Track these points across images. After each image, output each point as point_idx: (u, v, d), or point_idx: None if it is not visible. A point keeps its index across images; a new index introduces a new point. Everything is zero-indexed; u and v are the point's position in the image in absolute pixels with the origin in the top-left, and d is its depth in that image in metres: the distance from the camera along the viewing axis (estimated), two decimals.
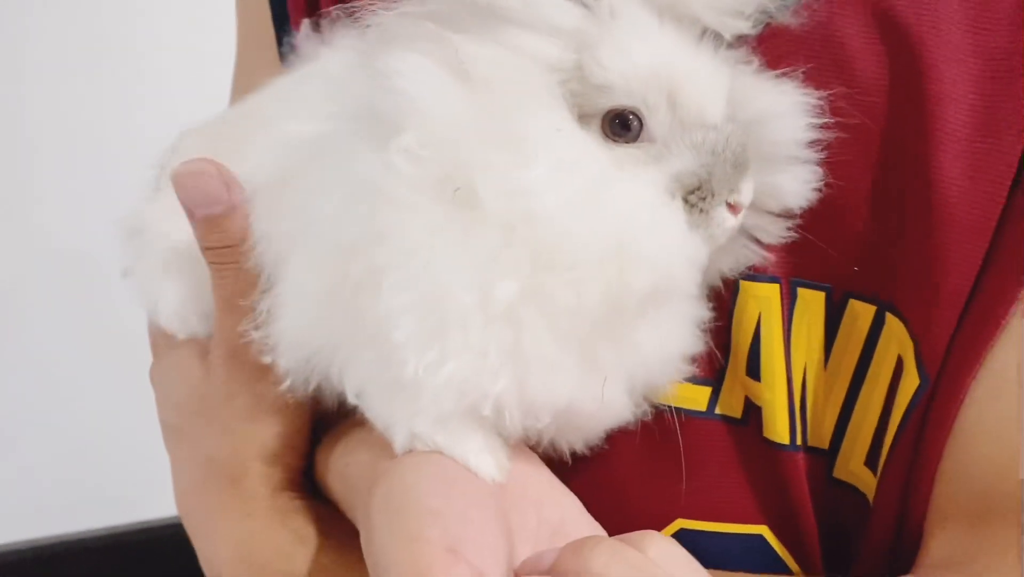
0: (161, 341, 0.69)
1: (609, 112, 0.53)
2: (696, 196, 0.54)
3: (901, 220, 0.61)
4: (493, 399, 0.53)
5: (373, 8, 0.53)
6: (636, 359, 0.56)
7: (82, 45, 1.74)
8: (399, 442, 0.55)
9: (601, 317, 0.52)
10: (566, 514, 0.56)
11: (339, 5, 0.67)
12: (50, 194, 1.75)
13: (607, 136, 0.54)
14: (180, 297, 0.66)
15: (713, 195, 0.54)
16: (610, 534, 0.56)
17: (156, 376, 0.71)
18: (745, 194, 0.55)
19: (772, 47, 0.60)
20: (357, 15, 0.55)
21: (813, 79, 0.58)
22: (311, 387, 0.59)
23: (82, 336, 1.74)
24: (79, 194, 1.68)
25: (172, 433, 0.69)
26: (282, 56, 0.78)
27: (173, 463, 0.69)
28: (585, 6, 0.53)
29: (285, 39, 0.77)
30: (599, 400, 0.55)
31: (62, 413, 1.78)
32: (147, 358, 0.72)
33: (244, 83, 0.84)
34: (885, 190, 0.61)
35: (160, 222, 0.66)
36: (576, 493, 0.59)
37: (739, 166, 0.54)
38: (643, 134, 0.54)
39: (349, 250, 0.53)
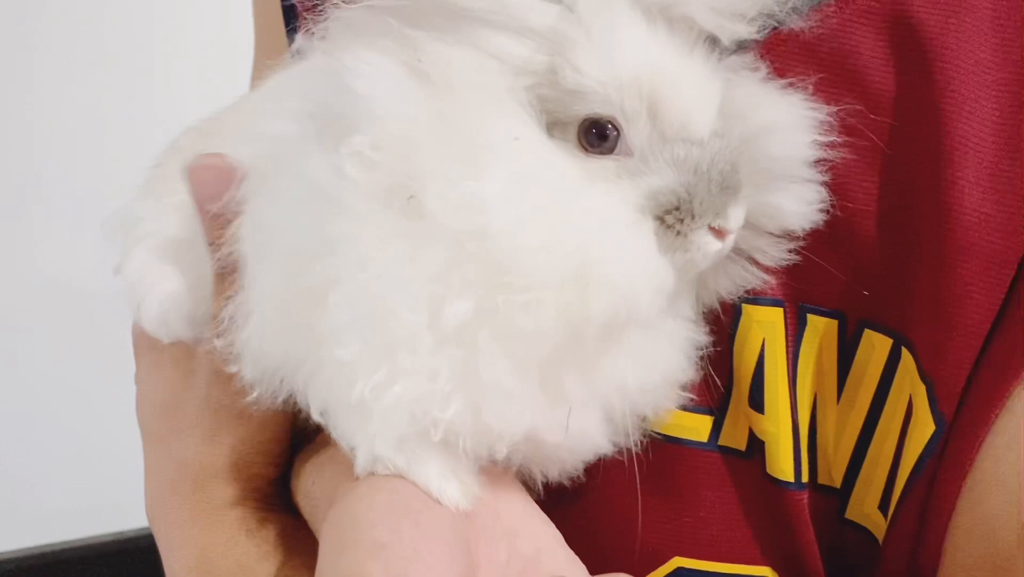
0: (142, 342, 0.67)
1: (584, 120, 0.49)
2: (673, 217, 0.49)
3: (914, 246, 0.56)
4: (444, 425, 0.49)
5: (337, 2, 0.50)
6: (610, 387, 0.52)
7: (86, 52, 1.76)
8: (360, 464, 0.52)
9: (561, 343, 0.48)
10: (542, 546, 0.52)
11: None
12: (55, 202, 1.76)
13: (582, 146, 0.49)
14: (165, 299, 0.63)
15: (693, 217, 0.49)
16: (601, 571, 0.53)
17: (137, 378, 0.69)
18: (733, 219, 0.50)
19: (779, 55, 0.55)
20: (320, 10, 0.52)
21: (822, 90, 0.54)
22: (280, 399, 0.56)
23: (85, 338, 1.73)
24: (82, 201, 1.66)
25: (147, 437, 0.67)
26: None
27: (146, 467, 0.67)
28: (562, 4, 0.49)
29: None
30: (564, 431, 0.51)
31: (64, 418, 1.79)
32: None
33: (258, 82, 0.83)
34: (896, 212, 0.56)
35: (149, 219, 0.64)
36: (564, 526, 0.55)
37: (727, 188, 0.50)
38: (620, 146, 0.49)
39: (302, 258, 0.50)
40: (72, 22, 1.73)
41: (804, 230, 0.54)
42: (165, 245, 0.63)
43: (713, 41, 0.52)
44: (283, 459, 0.62)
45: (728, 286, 0.56)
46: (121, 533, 1.16)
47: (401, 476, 0.51)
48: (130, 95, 1.74)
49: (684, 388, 0.57)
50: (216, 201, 0.57)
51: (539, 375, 0.49)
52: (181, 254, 0.63)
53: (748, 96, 0.53)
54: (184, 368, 0.63)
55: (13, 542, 1.18)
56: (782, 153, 0.52)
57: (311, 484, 0.57)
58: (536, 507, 0.55)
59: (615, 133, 0.49)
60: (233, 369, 0.57)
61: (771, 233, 0.55)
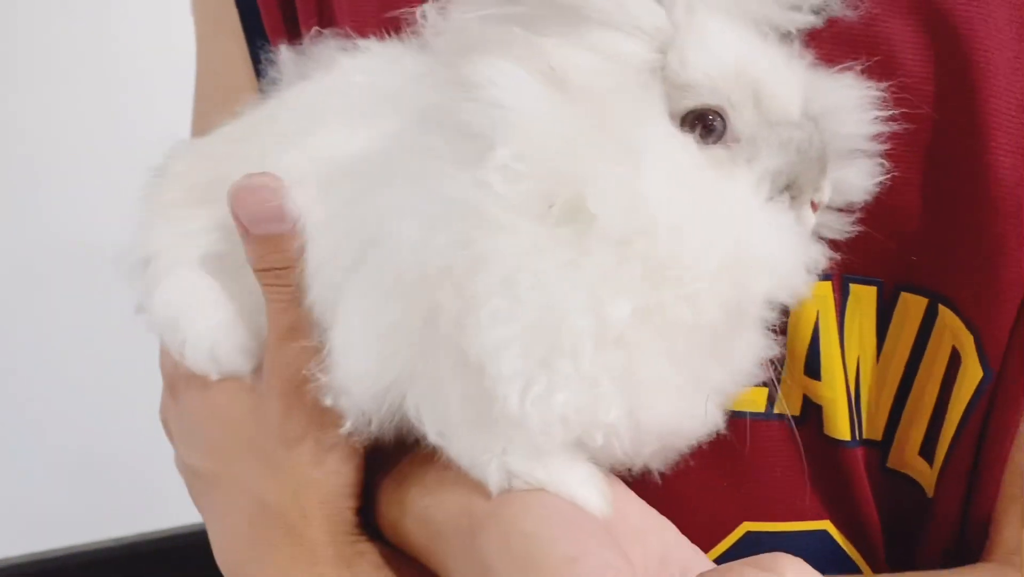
0: (182, 380, 0.62)
1: (690, 112, 0.50)
2: (788, 195, 0.52)
3: (954, 211, 0.60)
4: (605, 428, 0.49)
5: (439, 14, 0.49)
6: (734, 371, 0.53)
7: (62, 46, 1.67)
8: (494, 481, 0.51)
9: (718, 331, 0.49)
10: (668, 543, 0.53)
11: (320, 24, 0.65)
12: (53, 194, 1.68)
13: (690, 136, 0.51)
14: (214, 330, 0.59)
15: (802, 193, 0.52)
16: None
17: (175, 418, 0.64)
18: (826, 192, 0.53)
19: (819, 43, 0.58)
20: (409, 22, 0.50)
21: (864, 73, 0.57)
22: (376, 426, 0.54)
23: (87, 341, 1.68)
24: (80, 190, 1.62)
25: (205, 480, 0.62)
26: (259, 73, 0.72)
27: (208, 514, 0.63)
28: (660, 2, 0.50)
29: (263, 56, 0.71)
30: (703, 419, 0.52)
31: (67, 422, 1.73)
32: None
33: (209, 99, 0.78)
34: (936, 182, 0.61)
35: (170, 250, 0.60)
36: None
37: (822, 164, 0.53)
38: (727, 134, 0.51)
39: (437, 278, 0.48)
40: None
41: (863, 203, 0.57)
42: (203, 274, 0.59)
43: (767, 29, 0.55)
44: (363, 487, 0.60)
45: None
46: (123, 538, 1.09)
47: (542, 489, 0.51)
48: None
49: (765, 366, 0.59)
50: (265, 223, 0.55)
51: (689, 367, 0.50)
52: (225, 281, 0.60)
53: (809, 80, 0.56)
54: (247, 403, 0.60)
55: (14, 548, 1.11)
56: (849, 131, 0.55)
57: (424, 508, 0.55)
58: (649, 506, 0.56)
59: (720, 122, 0.51)
60: (328, 402, 0.54)
61: (835, 208, 0.58)
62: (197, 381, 0.61)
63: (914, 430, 0.64)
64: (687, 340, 0.49)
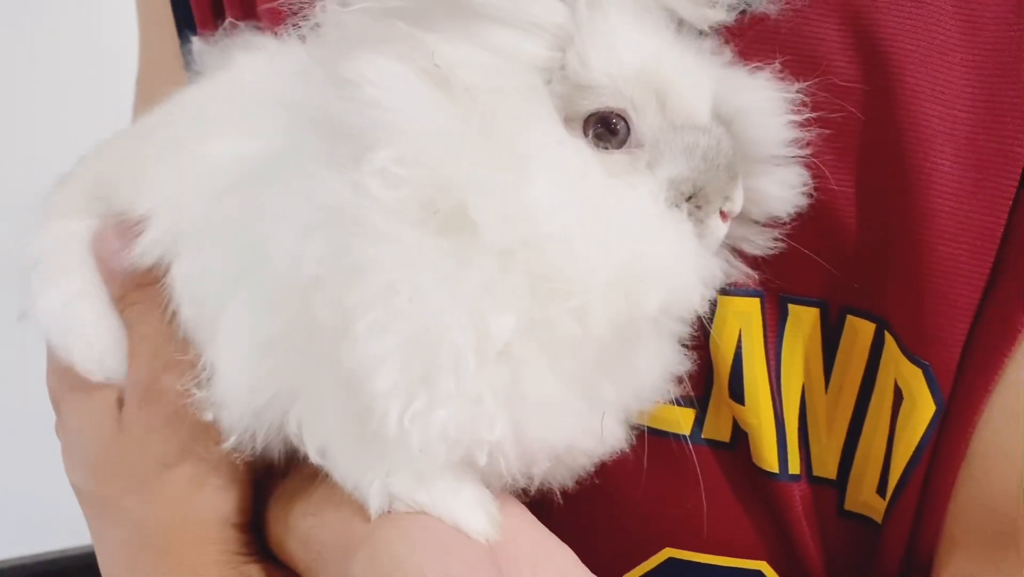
0: (64, 388, 0.59)
1: (593, 115, 0.48)
2: (692, 204, 0.49)
3: (891, 229, 0.56)
4: (489, 447, 0.47)
5: (320, 4, 0.46)
6: (634, 386, 0.51)
7: None
8: (375, 504, 0.49)
9: (607, 346, 0.46)
10: (562, 567, 0.51)
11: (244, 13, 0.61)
12: None
13: (590, 141, 0.48)
14: (105, 334, 0.57)
15: (708, 202, 0.49)
16: (591, 565, 0.51)
17: (61, 431, 0.61)
18: (737, 201, 0.51)
19: (743, 39, 0.55)
20: (297, 12, 0.47)
21: (787, 73, 0.53)
22: (259, 443, 0.51)
23: None
24: None
25: (88, 497, 0.59)
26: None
27: (93, 534, 0.59)
28: (564, 0, 0.47)
29: (186, 45, 0.68)
30: (599, 436, 0.50)
31: None
32: None
33: (147, 91, 0.76)
34: (871, 196, 0.57)
35: (60, 250, 0.57)
36: (551, 523, 0.53)
37: (731, 172, 0.50)
38: (630, 138, 0.48)
39: (311, 288, 0.45)
40: None
41: (789, 216, 0.54)
42: (86, 276, 0.57)
43: (680, 25, 0.52)
44: (251, 503, 0.57)
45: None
46: None
47: (424, 512, 0.49)
48: None
49: (676, 381, 0.56)
50: (124, 272, 0.55)
51: (579, 383, 0.48)
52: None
53: (720, 80, 0.53)
54: (116, 420, 0.56)
55: (13, 549, 1.10)
56: (764, 136, 0.52)
57: (308, 528, 0.53)
58: (545, 529, 0.53)
59: (624, 126, 0.48)
60: (208, 416, 0.51)
61: (755, 221, 0.55)
62: (76, 393, 0.58)
63: (870, 468, 0.60)
64: (575, 355, 0.46)
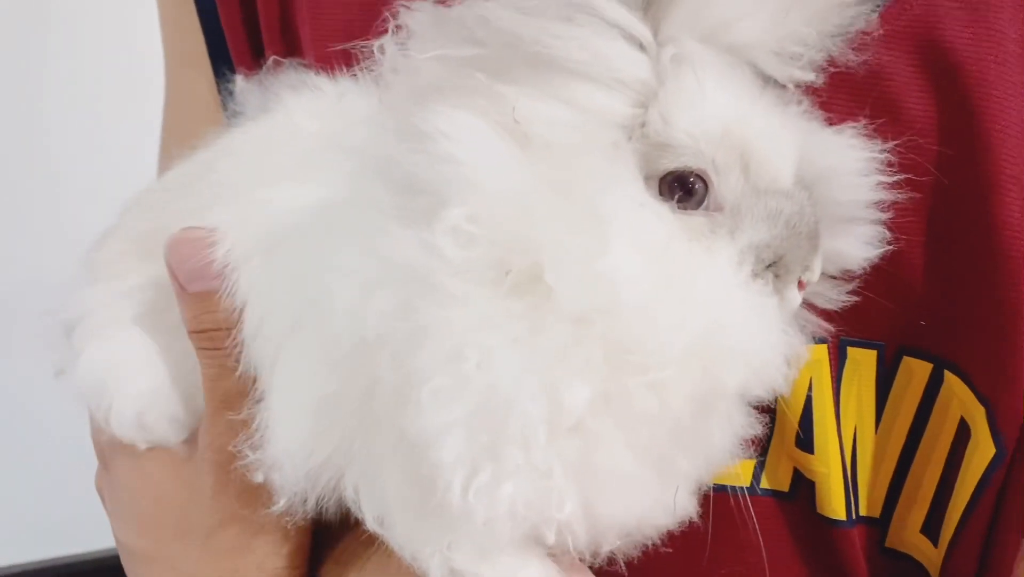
0: (113, 449, 0.57)
1: (669, 174, 0.45)
2: (771, 272, 0.46)
3: (962, 274, 0.55)
4: (557, 524, 0.44)
5: (398, 48, 0.44)
6: (708, 457, 0.48)
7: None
8: None
9: (684, 421, 0.44)
10: None
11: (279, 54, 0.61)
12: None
13: (666, 202, 0.46)
14: (142, 398, 0.54)
15: (788, 272, 0.47)
16: None
17: (107, 488, 0.59)
18: (816, 271, 0.48)
19: (815, 88, 0.53)
20: (367, 54, 0.45)
21: (862, 120, 0.51)
22: (311, 505, 0.49)
23: None
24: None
25: (138, 558, 0.57)
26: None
27: None
28: (644, 51, 0.45)
29: (221, 82, 0.66)
30: (671, 511, 0.47)
31: (69, 427, 1.67)
32: None
33: (180, 130, 0.74)
34: (941, 239, 0.56)
35: (101, 309, 0.55)
36: None
37: (813, 240, 0.47)
38: (708, 200, 0.46)
39: (373, 347, 0.43)
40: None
41: (867, 269, 0.52)
42: (133, 336, 0.54)
43: (766, 81, 0.50)
44: (307, 568, 0.55)
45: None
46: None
47: None
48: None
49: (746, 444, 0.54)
50: (201, 280, 0.50)
51: (654, 457, 0.45)
52: (157, 344, 0.55)
53: (806, 139, 0.51)
54: (180, 476, 0.55)
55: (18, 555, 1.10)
56: (847, 197, 0.50)
57: None
58: None
59: (702, 187, 0.46)
60: (259, 478, 0.49)
61: (830, 276, 0.53)
62: (127, 450, 0.56)
63: (916, 507, 0.59)
64: (652, 430, 0.43)
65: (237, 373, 0.50)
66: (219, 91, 0.71)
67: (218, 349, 0.51)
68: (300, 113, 0.54)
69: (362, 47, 0.48)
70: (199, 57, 0.73)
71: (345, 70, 0.54)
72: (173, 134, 0.78)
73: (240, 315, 0.50)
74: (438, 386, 0.42)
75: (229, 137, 0.57)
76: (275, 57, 0.58)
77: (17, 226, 1.66)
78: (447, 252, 0.41)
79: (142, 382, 0.54)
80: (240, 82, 0.60)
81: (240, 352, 0.50)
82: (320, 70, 0.57)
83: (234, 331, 0.50)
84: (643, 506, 0.46)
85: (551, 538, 0.44)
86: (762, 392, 0.46)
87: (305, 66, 0.58)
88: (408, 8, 0.45)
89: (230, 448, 0.50)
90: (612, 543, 0.46)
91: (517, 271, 0.41)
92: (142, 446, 0.56)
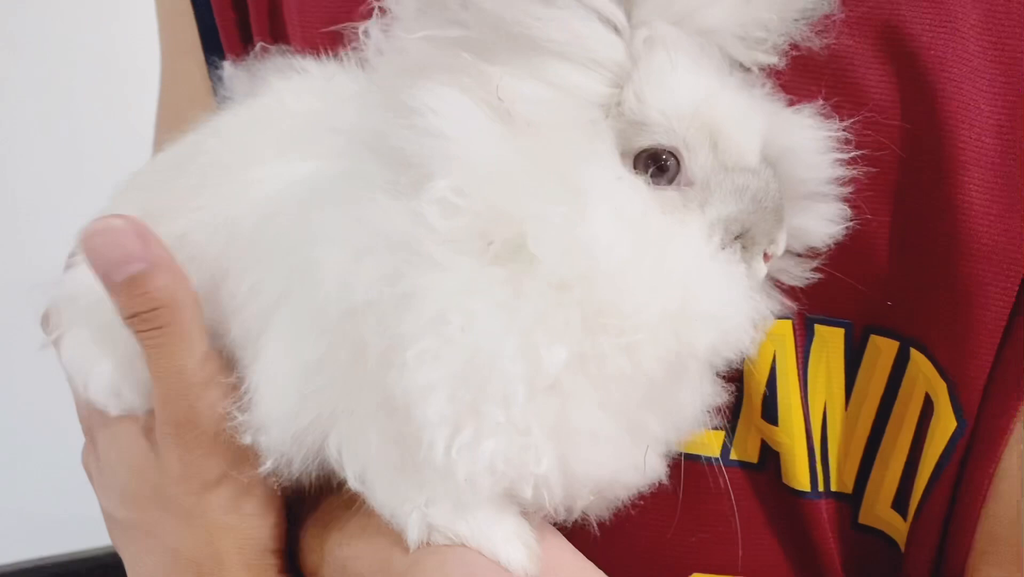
0: (96, 423, 0.59)
1: (644, 152, 0.48)
2: (738, 245, 0.49)
3: (924, 250, 0.57)
4: (535, 480, 0.46)
5: (383, 31, 0.46)
6: (677, 420, 0.51)
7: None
8: (413, 535, 0.49)
9: (655, 382, 0.46)
10: None
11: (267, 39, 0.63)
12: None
13: (641, 177, 0.48)
14: (116, 367, 0.57)
15: (754, 244, 0.49)
16: None
17: (92, 462, 0.61)
18: (781, 244, 0.51)
19: (781, 70, 0.56)
20: (355, 36, 0.47)
21: (828, 108, 0.54)
22: (297, 467, 0.51)
23: None
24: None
25: (121, 528, 0.59)
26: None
27: (126, 560, 0.59)
28: (619, 34, 0.47)
29: (212, 70, 0.68)
30: (642, 470, 0.49)
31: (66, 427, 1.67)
32: None
33: (173, 115, 0.75)
34: (904, 219, 0.58)
35: (87, 292, 0.57)
36: (585, 551, 0.53)
37: (778, 214, 0.50)
38: (680, 176, 0.48)
39: (361, 313, 0.45)
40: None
41: (826, 247, 0.54)
42: (110, 315, 0.55)
43: (733, 63, 0.52)
44: (286, 528, 0.57)
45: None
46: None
47: (463, 544, 0.48)
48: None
49: (714, 412, 0.57)
50: (121, 266, 0.52)
51: (626, 417, 0.47)
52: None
53: (769, 118, 0.53)
54: (145, 448, 0.56)
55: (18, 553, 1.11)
56: (808, 175, 0.53)
57: (344, 558, 0.52)
58: (583, 557, 0.53)
59: (674, 164, 0.48)
60: (247, 440, 0.51)
61: (795, 253, 0.55)
62: (109, 424, 0.58)
63: (886, 482, 0.61)
64: (624, 390, 0.46)
65: (187, 344, 0.52)
66: (211, 78, 0.72)
67: (156, 328, 0.52)
68: (288, 94, 0.56)
69: (347, 30, 0.50)
70: (193, 45, 0.74)
71: (331, 54, 0.56)
72: (167, 121, 0.79)
73: (172, 289, 0.52)
74: (423, 348, 0.44)
75: (219, 119, 0.59)
76: (262, 44, 0.60)
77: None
78: (434, 222, 0.43)
79: (117, 353, 0.56)
80: (228, 68, 0.61)
81: (178, 323, 0.52)
82: (307, 55, 0.58)
83: (166, 307, 0.52)
84: (615, 464, 0.48)
85: (528, 493, 0.47)
86: (731, 354, 0.48)
87: (292, 52, 0.59)
88: None
89: (219, 411, 0.52)
90: (585, 499, 0.49)
91: (500, 240, 0.44)
92: (113, 412, 0.58)
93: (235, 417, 0.51)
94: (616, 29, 0.47)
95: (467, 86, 0.44)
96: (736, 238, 0.49)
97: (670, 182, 0.48)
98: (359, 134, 0.47)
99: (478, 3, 0.44)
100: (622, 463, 0.49)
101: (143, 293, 0.52)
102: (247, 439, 0.51)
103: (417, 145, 0.44)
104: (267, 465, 0.51)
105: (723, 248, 0.48)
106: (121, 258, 0.52)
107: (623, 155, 0.48)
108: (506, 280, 0.44)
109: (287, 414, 0.49)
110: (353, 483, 0.50)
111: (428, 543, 0.49)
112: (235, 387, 0.51)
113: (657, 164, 0.48)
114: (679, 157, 0.48)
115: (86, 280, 0.56)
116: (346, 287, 0.45)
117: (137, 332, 0.53)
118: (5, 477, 1.69)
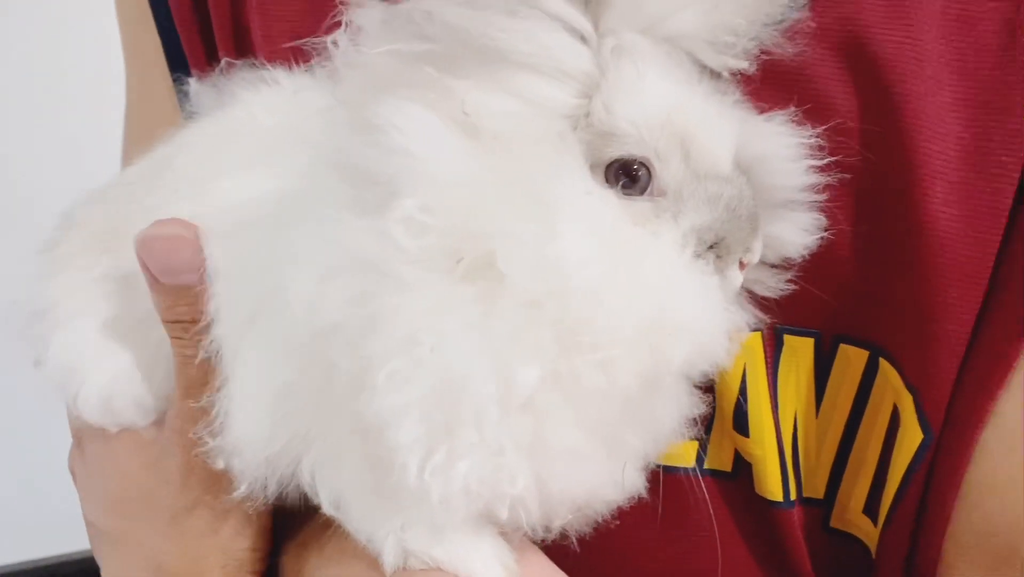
0: (86, 431, 0.59)
1: (614, 162, 0.47)
2: (712, 254, 0.48)
3: (889, 261, 0.57)
4: (511, 500, 0.46)
5: (351, 43, 0.45)
6: (655, 433, 0.50)
7: None
8: (389, 559, 0.48)
9: (632, 398, 0.46)
10: None
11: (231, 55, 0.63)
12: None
13: (612, 188, 0.47)
14: (110, 383, 0.55)
15: (729, 252, 0.49)
16: None
17: (79, 467, 0.60)
18: (756, 252, 0.50)
19: (747, 79, 0.55)
20: (320, 50, 0.46)
21: (799, 116, 0.53)
22: (271, 491, 0.50)
23: None
24: None
25: (104, 537, 0.58)
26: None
27: (106, 569, 0.58)
28: (586, 44, 0.46)
29: (179, 86, 0.67)
30: (620, 486, 0.49)
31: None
32: None
33: (140, 131, 0.75)
34: (868, 229, 0.57)
35: (66, 299, 0.56)
36: (563, 565, 0.53)
37: (753, 222, 0.49)
38: (652, 186, 0.48)
39: (330, 334, 0.44)
40: None
41: (800, 257, 0.54)
42: (100, 323, 0.55)
43: (703, 71, 0.52)
44: (270, 549, 0.56)
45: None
46: None
47: (439, 569, 0.48)
48: None
49: (691, 423, 0.56)
50: (176, 273, 0.51)
51: (603, 434, 0.47)
52: (123, 332, 0.56)
53: (741, 126, 0.53)
54: (147, 458, 0.56)
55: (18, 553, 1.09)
56: (780, 183, 0.52)
57: None
58: (560, 571, 0.53)
59: (645, 174, 0.47)
60: (220, 465, 0.50)
61: (768, 263, 0.55)
62: (100, 432, 0.57)
63: (857, 488, 0.61)
64: (601, 407, 0.45)
65: (200, 360, 0.51)
66: (177, 95, 0.71)
67: (191, 339, 0.52)
68: (257, 107, 0.55)
69: (313, 43, 0.49)
70: (158, 62, 0.73)
71: (297, 67, 0.55)
72: (134, 133, 0.78)
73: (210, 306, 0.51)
74: (393, 370, 0.43)
75: (187, 132, 0.58)
76: (227, 59, 0.59)
77: None
78: (401, 241, 0.43)
79: (108, 368, 0.55)
80: (194, 84, 0.60)
81: (207, 341, 0.51)
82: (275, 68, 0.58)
83: (204, 320, 0.51)
84: (593, 481, 0.48)
85: (505, 513, 0.46)
86: (706, 366, 0.48)
87: (257, 66, 0.58)
88: (356, 5, 0.46)
89: (193, 434, 0.51)
90: (564, 518, 0.48)
91: (469, 258, 0.43)
92: (112, 429, 0.57)
93: (207, 442, 0.50)
94: (583, 39, 0.46)
95: (432, 101, 0.43)
96: (710, 247, 0.48)
97: (642, 192, 0.47)
98: (325, 151, 0.46)
99: (442, 16, 0.43)
100: (600, 480, 0.48)
101: (189, 303, 0.51)
102: (220, 463, 0.50)
103: (382, 163, 0.43)
104: (242, 489, 0.50)
105: (697, 258, 0.47)
106: (181, 265, 0.51)
107: (593, 166, 0.47)
108: (477, 299, 0.43)
109: (260, 438, 0.49)
110: (327, 508, 0.49)
111: (405, 568, 0.48)
112: (206, 410, 0.50)
113: (628, 175, 0.47)
114: (650, 167, 0.47)
115: (68, 292, 0.56)
116: (314, 309, 0.44)
117: (173, 337, 0.53)
118: None
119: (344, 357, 0.44)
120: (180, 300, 0.51)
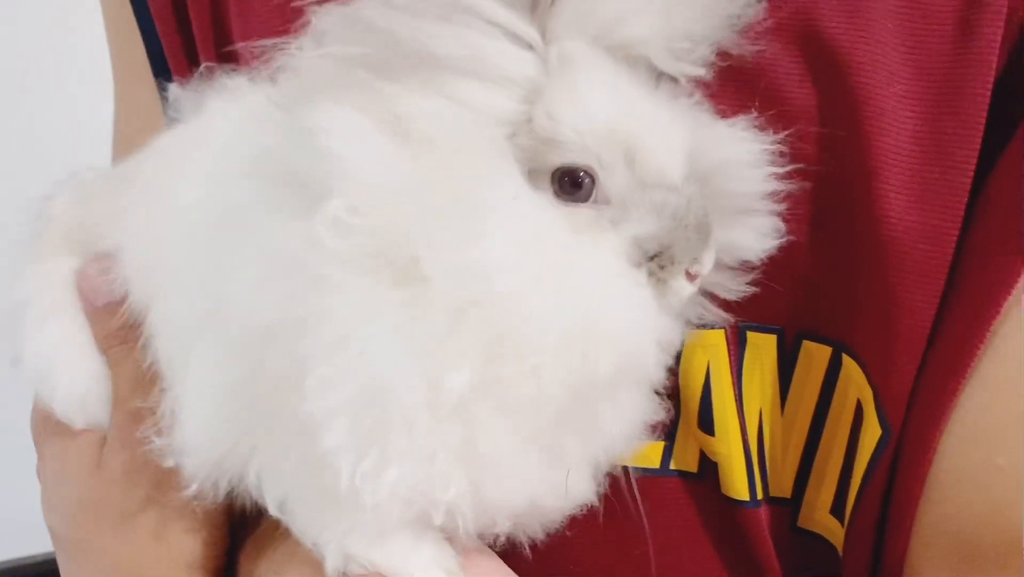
0: (47, 432, 0.60)
1: (557, 169, 0.47)
2: (655, 263, 0.48)
3: (848, 256, 0.56)
4: (444, 507, 0.45)
5: (285, 48, 0.45)
6: (601, 442, 0.50)
7: None
8: (330, 563, 0.48)
9: (564, 406, 0.45)
10: None
11: (211, 59, 0.64)
12: None
13: (556, 195, 0.47)
14: (86, 378, 0.57)
15: (673, 263, 0.48)
16: None
17: (41, 472, 0.61)
18: (706, 263, 0.49)
19: (712, 81, 0.54)
20: (264, 56, 0.47)
21: (745, 108, 0.52)
22: (222, 492, 0.50)
23: None
24: None
25: (63, 541, 0.59)
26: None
27: (66, 575, 0.59)
28: (532, 50, 0.46)
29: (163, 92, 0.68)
30: (563, 493, 0.48)
31: None
32: None
33: (126, 137, 0.77)
34: (827, 224, 0.57)
35: (42, 296, 0.58)
36: (521, 568, 0.53)
37: (702, 233, 0.49)
38: (596, 194, 0.47)
39: (265, 337, 0.45)
40: None
41: (760, 260, 0.53)
42: (77, 322, 0.57)
43: (660, 76, 0.51)
44: (226, 547, 0.56)
45: (688, 324, 0.55)
46: None
47: (379, 573, 0.48)
48: None
49: (650, 429, 0.55)
50: (103, 295, 0.55)
51: (540, 441, 0.46)
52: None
53: (698, 133, 0.52)
54: (94, 460, 0.57)
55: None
56: (740, 189, 0.51)
57: None
58: (510, 571, 0.53)
59: (590, 181, 0.47)
60: (169, 463, 0.51)
61: (728, 267, 0.54)
62: (57, 437, 0.59)
63: (824, 488, 0.61)
64: (533, 415, 0.45)
65: (138, 365, 0.53)
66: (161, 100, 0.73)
67: (122, 344, 0.54)
68: (219, 115, 0.56)
69: (282, 47, 0.49)
70: (142, 67, 0.75)
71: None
72: (121, 139, 0.80)
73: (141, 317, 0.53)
74: (322, 374, 0.43)
75: (160, 139, 0.59)
76: (207, 64, 0.60)
77: None
78: (328, 242, 0.43)
79: (85, 368, 0.57)
80: (175, 90, 0.61)
81: (143, 346, 0.52)
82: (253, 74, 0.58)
83: (137, 329, 0.53)
84: (530, 489, 0.47)
85: (439, 520, 0.46)
86: (635, 376, 0.47)
87: (235, 71, 0.59)
88: (319, 10, 0.46)
89: (136, 435, 0.51)
90: (503, 525, 0.48)
91: (397, 261, 0.43)
92: (79, 425, 0.58)
93: (153, 441, 0.50)
94: (529, 45, 0.46)
95: (363, 105, 0.43)
96: (653, 257, 0.47)
97: (586, 200, 0.47)
98: (258, 157, 0.46)
99: (371, 21, 0.43)
100: (539, 488, 0.47)
101: (119, 317, 0.55)
102: (170, 462, 0.50)
103: (311, 166, 0.43)
104: (191, 489, 0.51)
105: (637, 267, 0.47)
106: (104, 288, 0.56)
107: (536, 172, 0.46)
108: (404, 303, 0.43)
109: (208, 439, 0.49)
110: (274, 511, 0.49)
111: (346, 573, 0.48)
112: (152, 410, 0.51)
113: (573, 182, 0.46)
114: (594, 175, 0.47)
115: (44, 286, 0.58)
116: (251, 313, 0.45)
117: (105, 348, 0.56)
118: None
119: (279, 359, 0.44)
120: (109, 317, 0.55)
